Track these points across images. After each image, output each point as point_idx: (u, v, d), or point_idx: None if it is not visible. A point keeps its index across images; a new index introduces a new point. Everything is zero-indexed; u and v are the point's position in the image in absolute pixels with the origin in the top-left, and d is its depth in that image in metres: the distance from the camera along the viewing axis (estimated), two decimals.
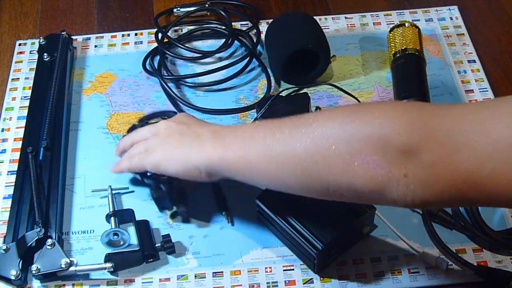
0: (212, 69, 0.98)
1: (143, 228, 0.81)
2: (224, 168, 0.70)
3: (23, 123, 0.93)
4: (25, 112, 0.94)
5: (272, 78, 0.99)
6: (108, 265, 0.77)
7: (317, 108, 0.91)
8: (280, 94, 0.94)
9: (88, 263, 0.77)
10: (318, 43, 0.94)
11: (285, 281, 0.77)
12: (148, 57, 1.02)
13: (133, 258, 0.78)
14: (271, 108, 0.86)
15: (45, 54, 0.98)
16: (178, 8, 1.08)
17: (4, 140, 0.93)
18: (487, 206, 0.79)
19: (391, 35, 0.99)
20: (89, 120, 0.95)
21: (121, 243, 0.80)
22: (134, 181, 0.87)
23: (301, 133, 0.63)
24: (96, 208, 0.85)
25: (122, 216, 0.82)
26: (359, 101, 0.92)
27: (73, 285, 0.77)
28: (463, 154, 0.55)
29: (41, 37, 1.02)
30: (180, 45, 1.01)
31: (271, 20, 1.01)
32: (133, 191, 0.86)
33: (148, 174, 0.81)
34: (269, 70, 1.00)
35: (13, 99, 0.98)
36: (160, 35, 1.04)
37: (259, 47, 1.03)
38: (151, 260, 0.79)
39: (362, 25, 1.07)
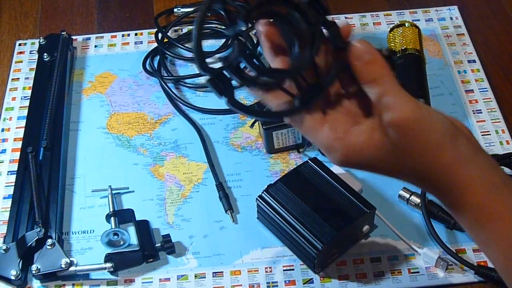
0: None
1: (143, 228, 0.81)
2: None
3: (23, 123, 0.93)
4: (25, 112, 0.94)
5: None
6: (108, 265, 0.77)
7: None
8: None
9: (88, 263, 0.78)
10: None
11: (285, 281, 0.77)
12: (148, 57, 1.02)
13: (133, 258, 0.78)
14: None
15: (45, 54, 0.98)
16: (179, 8, 1.08)
17: (4, 140, 0.93)
18: None
19: (391, 35, 0.99)
20: (89, 120, 0.95)
21: (121, 243, 0.80)
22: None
23: None
24: (96, 208, 0.85)
25: (122, 216, 0.82)
26: None
27: (73, 285, 0.77)
28: None
29: (41, 37, 1.01)
30: (180, 45, 1.01)
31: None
32: (133, 191, 0.86)
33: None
34: None
35: (13, 99, 0.98)
36: (160, 35, 1.04)
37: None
38: (151, 260, 0.79)
39: (362, 25, 1.07)
